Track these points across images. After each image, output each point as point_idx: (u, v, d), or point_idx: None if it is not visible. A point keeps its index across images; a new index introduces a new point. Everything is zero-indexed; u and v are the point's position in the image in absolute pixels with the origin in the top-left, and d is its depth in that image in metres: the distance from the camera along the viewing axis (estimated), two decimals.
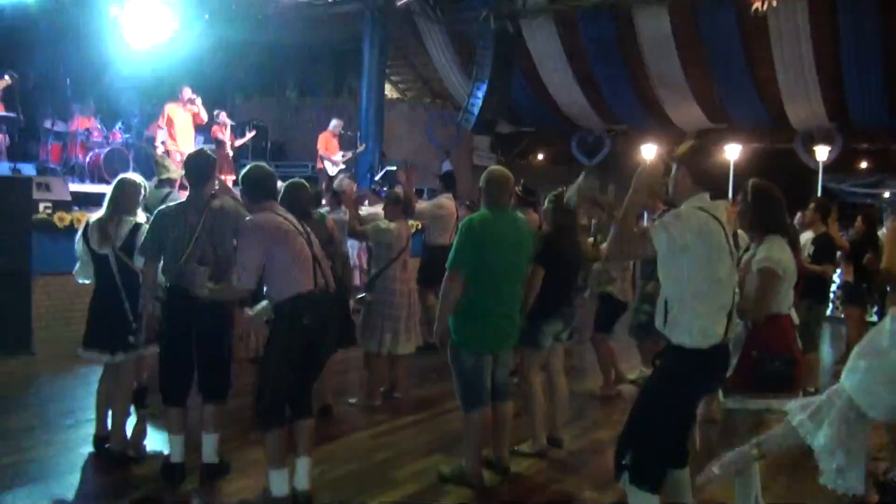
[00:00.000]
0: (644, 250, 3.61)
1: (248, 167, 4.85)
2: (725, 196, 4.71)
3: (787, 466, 5.69)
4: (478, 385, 4.96)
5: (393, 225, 6.91)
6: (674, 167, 3.79)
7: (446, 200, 9.41)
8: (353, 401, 6.93)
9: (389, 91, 22.40)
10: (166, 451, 5.01)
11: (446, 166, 18.64)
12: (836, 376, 7.35)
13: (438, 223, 9.28)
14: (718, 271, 3.60)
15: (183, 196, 5.45)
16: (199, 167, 4.98)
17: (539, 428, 5.77)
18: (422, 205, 9.43)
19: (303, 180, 5.55)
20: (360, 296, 7.11)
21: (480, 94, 16.68)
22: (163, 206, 5.15)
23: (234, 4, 18.03)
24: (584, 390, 7.80)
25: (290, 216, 4.62)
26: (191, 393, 4.99)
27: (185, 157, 6.18)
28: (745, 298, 4.30)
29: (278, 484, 4.51)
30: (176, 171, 8.02)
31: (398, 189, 7.97)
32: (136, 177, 5.49)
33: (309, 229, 4.72)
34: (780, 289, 4.32)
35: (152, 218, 5.00)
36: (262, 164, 4.99)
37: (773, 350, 4.23)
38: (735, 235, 6.97)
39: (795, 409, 2.73)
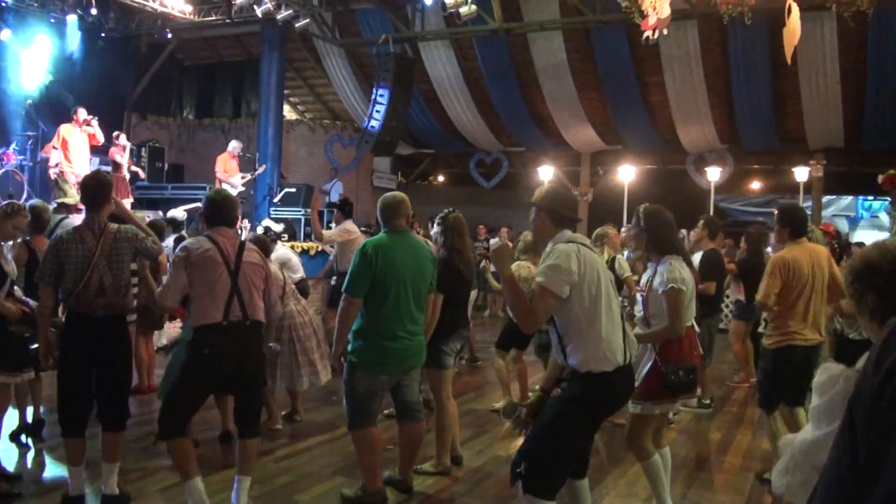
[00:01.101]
0: (552, 304, 3.72)
1: (209, 193, 5.05)
2: (619, 220, 4.95)
3: (682, 478, 5.91)
4: (367, 407, 5.01)
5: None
6: (532, 212, 4.01)
7: (351, 226, 9.43)
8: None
9: (289, 112, 22.28)
10: (65, 484, 4.90)
11: (337, 188, 18.60)
12: (728, 386, 7.71)
13: (346, 248, 9.27)
14: (601, 294, 3.78)
15: (77, 220, 5.38)
16: (96, 190, 4.91)
17: (445, 448, 5.83)
18: (329, 232, 9.42)
19: (228, 192, 5.52)
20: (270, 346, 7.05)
21: (380, 116, 16.74)
22: (60, 231, 5.06)
23: (132, 24, 17.75)
24: (485, 407, 7.93)
25: (231, 244, 4.68)
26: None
27: (80, 180, 6.09)
28: (655, 317, 4.67)
29: (192, 496, 4.52)
30: (74, 196, 7.89)
31: (259, 231, 7.85)
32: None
33: (246, 260, 4.73)
34: (686, 304, 4.63)
35: (50, 244, 4.90)
36: (221, 189, 5.02)
37: (678, 360, 4.56)
38: (614, 260, 7.28)
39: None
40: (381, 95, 16.74)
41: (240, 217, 5.25)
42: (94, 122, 12.66)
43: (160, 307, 4.66)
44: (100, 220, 4.83)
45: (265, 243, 7.05)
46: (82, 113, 12.60)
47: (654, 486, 4.75)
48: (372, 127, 16.89)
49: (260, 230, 8.55)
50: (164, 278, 4.65)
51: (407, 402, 5.24)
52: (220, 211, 4.78)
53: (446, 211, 6.02)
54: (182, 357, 4.79)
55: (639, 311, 4.89)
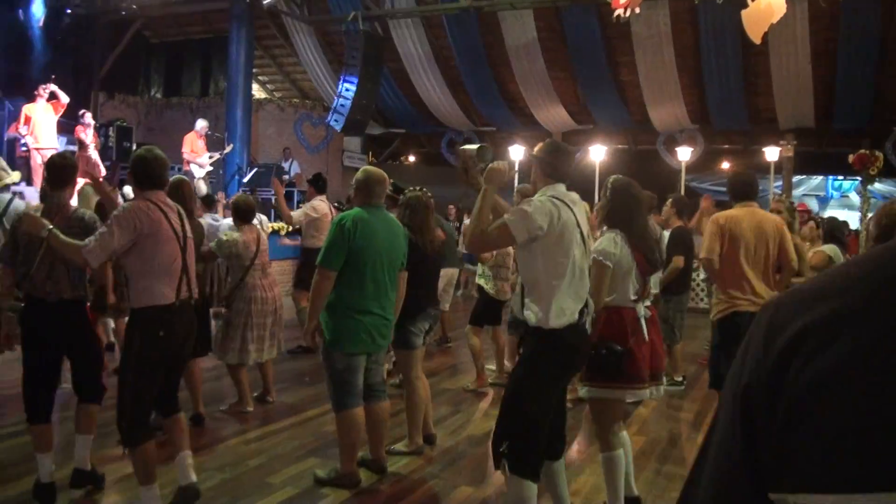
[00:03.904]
0: (504, 241, 3.88)
1: (137, 150, 4.63)
2: (590, 199, 4.91)
3: (657, 453, 5.95)
4: (350, 385, 4.97)
5: (236, 234, 6.73)
6: (533, 164, 4.08)
7: (319, 203, 9.35)
8: (224, 408, 6.80)
9: (257, 91, 22.06)
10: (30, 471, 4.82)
11: (294, 167, 18.50)
12: (700, 364, 7.76)
13: (313, 226, 9.22)
14: (570, 253, 3.80)
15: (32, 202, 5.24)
16: (60, 169, 4.78)
17: (416, 428, 5.80)
18: (296, 213, 9.34)
19: (184, 177, 5.42)
20: (215, 309, 6.96)
21: (349, 95, 16.60)
22: (20, 211, 4.94)
23: (98, 0, 17.47)
24: (458, 387, 7.92)
25: (172, 212, 4.43)
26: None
27: (47, 156, 5.96)
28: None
29: (151, 501, 4.37)
30: (13, 176, 7.88)
31: (238, 196, 7.75)
32: None
33: (188, 232, 4.56)
34: (609, 281, 4.43)
35: (11, 223, 4.78)
36: (153, 147, 4.76)
37: (606, 339, 4.35)
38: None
39: None
40: (351, 74, 16.60)
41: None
42: (53, 86, 12.71)
43: (83, 262, 4.24)
44: (59, 200, 4.70)
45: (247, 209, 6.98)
46: (43, 90, 12.59)
47: (607, 481, 4.57)
48: (342, 106, 16.75)
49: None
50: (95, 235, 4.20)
51: (370, 383, 5.20)
52: (153, 169, 4.41)
53: (415, 189, 5.99)
54: (131, 347, 4.35)
55: None
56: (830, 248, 7.05)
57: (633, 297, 4.54)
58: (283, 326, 7.17)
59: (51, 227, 4.20)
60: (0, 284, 4.67)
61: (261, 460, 5.57)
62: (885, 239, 3.70)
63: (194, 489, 4.61)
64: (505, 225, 3.74)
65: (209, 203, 8.87)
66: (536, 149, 4.09)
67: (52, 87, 12.64)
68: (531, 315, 3.84)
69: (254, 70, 19.31)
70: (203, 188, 13.63)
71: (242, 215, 6.92)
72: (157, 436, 4.53)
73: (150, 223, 4.23)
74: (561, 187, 3.96)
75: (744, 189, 5.65)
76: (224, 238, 6.70)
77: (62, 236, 4.22)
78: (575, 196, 4.02)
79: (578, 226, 3.87)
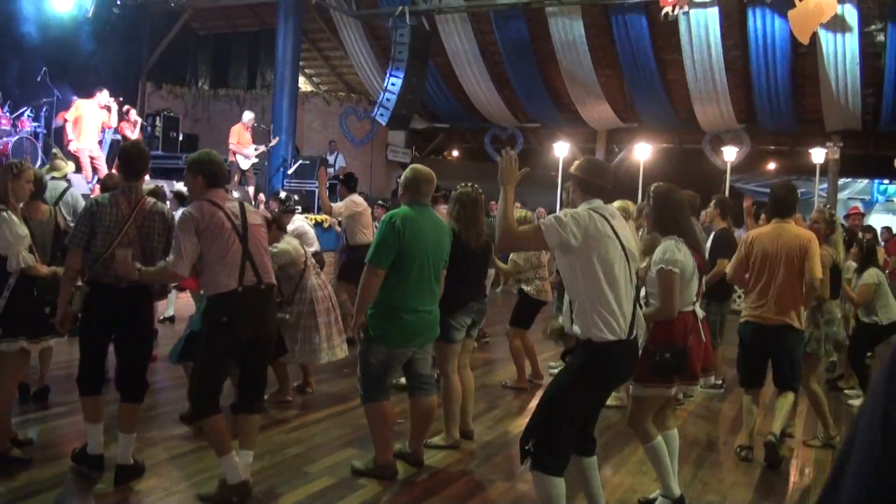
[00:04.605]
0: (535, 244, 4.00)
1: (197, 153, 4.85)
2: (634, 198, 4.94)
3: (694, 456, 5.91)
4: (381, 379, 5.02)
5: (283, 245, 6.76)
6: (572, 180, 4.16)
7: (358, 198, 9.43)
8: (265, 396, 6.86)
9: (304, 84, 22.22)
10: (74, 448, 4.93)
11: (339, 160, 18.56)
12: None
13: (357, 221, 9.29)
14: (611, 266, 3.80)
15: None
16: (136, 160, 4.90)
17: (453, 421, 5.82)
18: (338, 205, 9.41)
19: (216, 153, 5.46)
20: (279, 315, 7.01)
21: (395, 89, 16.65)
22: (97, 196, 5.04)
23: None
24: (495, 382, 7.93)
25: (234, 207, 4.61)
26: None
27: (90, 153, 6.07)
28: (652, 296, 4.64)
29: (229, 471, 4.50)
30: (64, 169, 8.15)
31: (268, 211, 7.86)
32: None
33: (253, 220, 4.69)
34: (682, 287, 4.57)
35: (85, 206, 4.88)
36: (212, 150, 4.89)
37: (665, 343, 4.52)
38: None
39: None
40: (397, 68, 16.65)
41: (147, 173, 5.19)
42: (114, 108, 12.93)
43: (174, 276, 4.57)
44: (137, 190, 4.83)
45: (279, 218, 7.06)
46: (104, 97, 12.75)
47: (657, 470, 4.74)
48: (387, 100, 16.80)
49: (274, 204, 8.53)
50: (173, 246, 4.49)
51: (419, 374, 5.24)
52: (210, 171, 4.61)
53: (468, 185, 5.99)
54: (200, 329, 4.74)
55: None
56: (873, 276, 7.50)
57: (693, 301, 4.69)
58: (340, 318, 7.22)
59: (140, 267, 4.48)
60: (70, 267, 4.76)
61: (299, 449, 5.62)
62: None
63: (244, 486, 4.59)
64: (538, 228, 3.79)
65: (180, 199, 8.98)
66: (574, 167, 4.13)
67: (110, 101, 12.84)
68: (579, 328, 3.84)
69: (301, 63, 19.45)
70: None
71: (279, 226, 6.98)
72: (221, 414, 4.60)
73: (204, 218, 4.43)
74: (597, 202, 3.96)
75: (779, 206, 5.90)
76: (274, 251, 6.71)
77: (149, 269, 4.52)
78: (614, 209, 4.04)
79: (618, 237, 3.86)
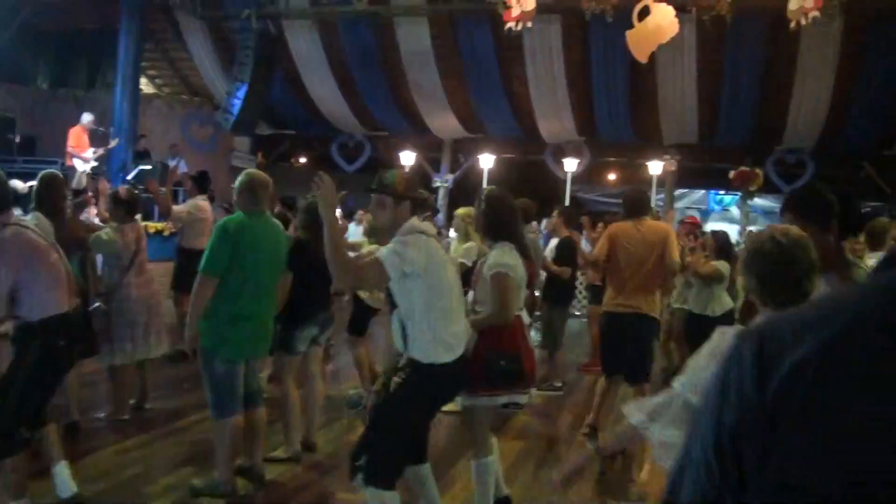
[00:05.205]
0: (377, 279, 3.84)
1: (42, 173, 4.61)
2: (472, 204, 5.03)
3: (535, 457, 6.09)
4: (231, 392, 4.90)
5: (114, 234, 6.50)
6: (387, 200, 4.01)
7: (202, 202, 9.16)
8: (101, 416, 6.63)
9: (146, 86, 21.52)
10: None
11: (181, 165, 18.12)
12: (580, 371, 8.02)
13: (195, 227, 8.99)
14: (448, 284, 3.86)
15: None
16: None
17: (294, 433, 5.79)
18: (178, 208, 9.15)
19: (57, 172, 5.27)
20: (95, 305, 6.69)
21: (241, 94, 16.40)
22: None
23: None
24: (338, 393, 7.90)
25: (35, 227, 4.39)
26: None
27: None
28: (482, 303, 4.54)
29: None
30: None
31: (121, 188, 7.48)
32: None
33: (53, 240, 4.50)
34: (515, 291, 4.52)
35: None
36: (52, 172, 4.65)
37: (500, 349, 4.39)
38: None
39: (633, 410, 2.92)
40: (242, 72, 16.39)
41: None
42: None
43: None
44: None
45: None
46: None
47: (478, 489, 4.58)
48: (232, 105, 16.52)
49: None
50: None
51: (249, 388, 5.13)
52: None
53: (310, 196, 5.94)
54: (22, 357, 4.27)
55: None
56: (721, 265, 7.70)
57: (521, 307, 4.66)
58: (163, 325, 7.00)
59: None
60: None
61: (136, 470, 5.47)
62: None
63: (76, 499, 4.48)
64: (379, 262, 3.71)
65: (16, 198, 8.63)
66: (388, 182, 4.05)
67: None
68: (415, 350, 3.83)
69: (144, 64, 18.84)
70: (84, 183, 13.30)
71: (128, 208, 6.72)
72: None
73: (22, 246, 4.19)
74: (416, 220, 3.98)
75: (636, 207, 6.35)
76: (104, 237, 6.47)
77: None
78: (430, 226, 4.09)
79: (445, 253, 3.95)
